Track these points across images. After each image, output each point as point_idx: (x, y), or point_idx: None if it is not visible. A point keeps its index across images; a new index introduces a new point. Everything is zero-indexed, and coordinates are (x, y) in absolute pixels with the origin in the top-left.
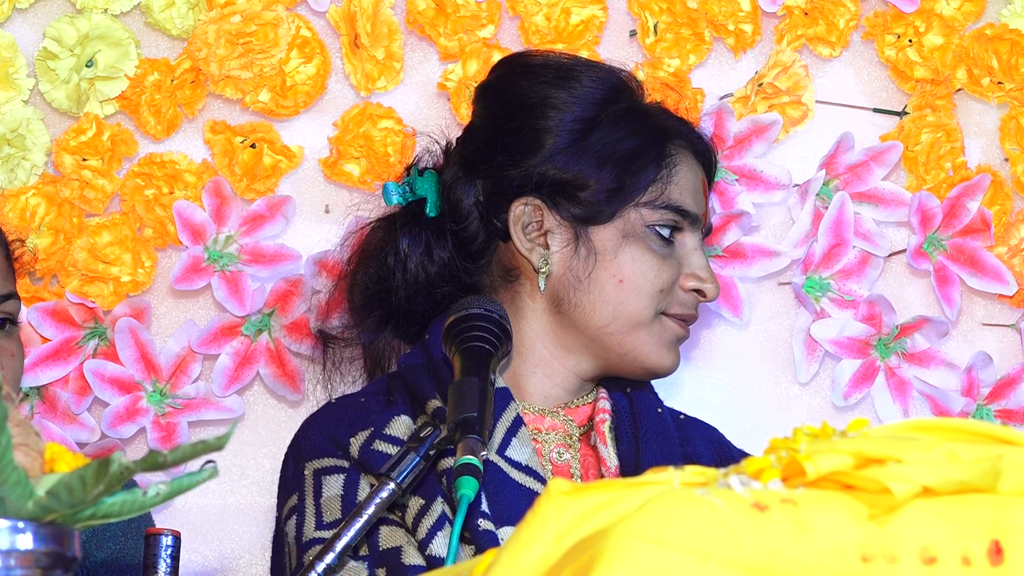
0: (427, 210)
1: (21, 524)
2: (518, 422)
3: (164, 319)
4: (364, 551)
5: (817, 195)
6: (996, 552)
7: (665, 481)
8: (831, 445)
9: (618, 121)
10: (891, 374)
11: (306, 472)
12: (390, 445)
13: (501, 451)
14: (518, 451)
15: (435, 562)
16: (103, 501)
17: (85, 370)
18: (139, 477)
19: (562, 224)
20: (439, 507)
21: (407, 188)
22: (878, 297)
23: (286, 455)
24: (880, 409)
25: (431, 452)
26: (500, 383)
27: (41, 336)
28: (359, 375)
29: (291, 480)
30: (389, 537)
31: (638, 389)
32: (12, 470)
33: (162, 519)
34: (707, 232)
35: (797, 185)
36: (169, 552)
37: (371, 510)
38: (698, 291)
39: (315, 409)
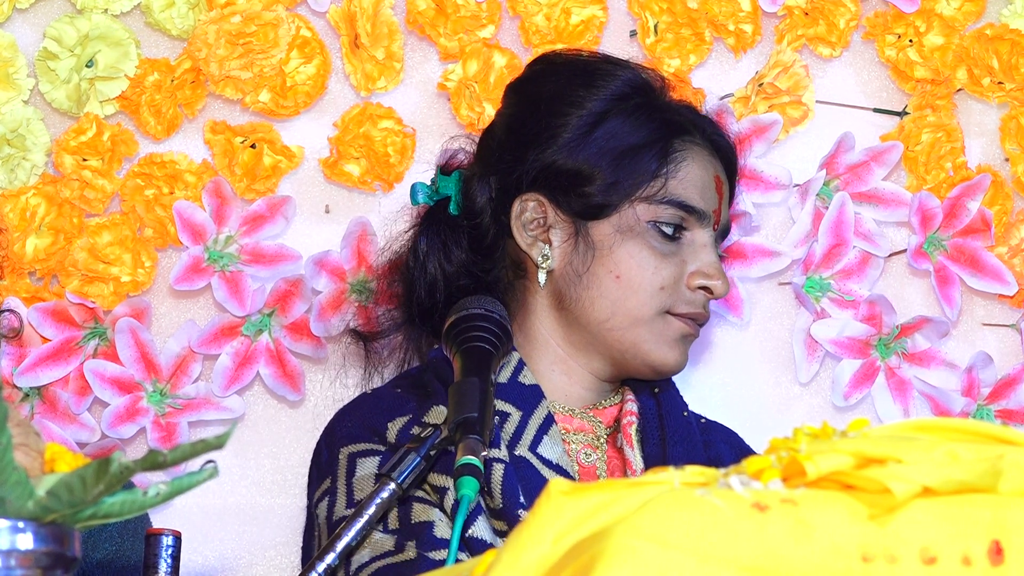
0: (450, 208)
1: (21, 524)
2: (549, 420)
3: (164, 319)
4: (394, 524)
5: (817, 195)
6: (996, 552)
7: (665, 481)
8: (831, 445)
9: (625, 116)
10: (891, 374)
11: (340, 456)
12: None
13: (533, 448)
14: (549, 449)
15: (475, 543)
16: (103, 501)
17: (85, 370)
18: (139, 477)
19: (563, 220)
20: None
21: (432, 188)
22: (878, 297)
23: (319, 443)
24: (880, 409)
25: (431, 452)
26: (531, 380)
27: (41, 336)
28: (396, 371)
29: (324, 465)
30: (422, 512)
31: (665, 391)
32: (12, 470)
33: (162, 519)
34: (724, 231)
35: (797, 185)
36: (169, 552)
37: (371, 510)
38: (706, 289)
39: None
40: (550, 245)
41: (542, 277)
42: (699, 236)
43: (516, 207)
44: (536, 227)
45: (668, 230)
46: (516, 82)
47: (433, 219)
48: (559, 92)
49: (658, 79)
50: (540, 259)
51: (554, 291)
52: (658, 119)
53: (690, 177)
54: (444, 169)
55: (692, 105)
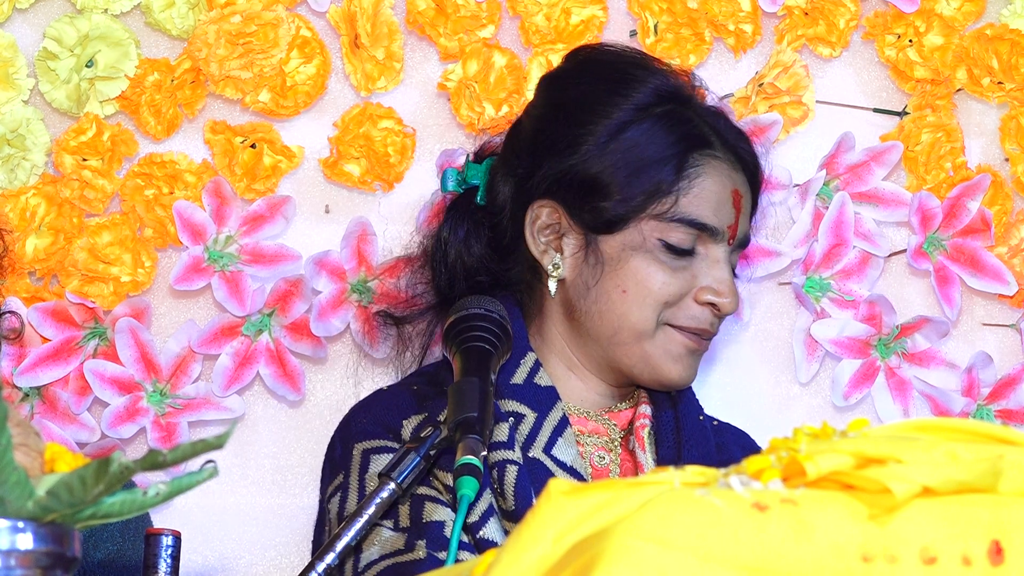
0: (477, 198)
1: (21, 524)
2: (564, 422)
3: (164, 319)
4: (405, 522)
5: (817, 195)
6: (996, 552)
7: (665, 481)
8: (831, 445)
9: (647, 126)
10: (891, 374)
11: (354, 452)
12: None
13: (547, 450)
14: (563, 451)
15: (487, 545)
16: (103, 501)
17: (85, 370)
18: (139, 477)
19: (576, 230)
20: (488, 496)
21: (462, 175)
22: (878, 297)
23: (333, 438)
24: (880, 409)
25: (431, 452)
26: (547, 382)
27: (41, 336)
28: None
29: (338, 460)
30: (432, 511)
31: (683, 395)
32: (12, 470)
33: (162, 519)
34: (741, 243)
35: (797, 185)
36: (169, 552)
37: (371, 510)
38: (713, 305)
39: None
40: (562, 254)
41: (552, 285)
42: (712, 251)
43: (531, 212)
44: (550, 234)
45: (680, 246)
46: (550, 76)
47: (459, 208)
48: (585, 99)
49: (688, 86)
50: (551, 267)
51: (565, 300)
52: (678, 131)
53: (704, 193)
54: (477, 156)
55: (721, 112)
